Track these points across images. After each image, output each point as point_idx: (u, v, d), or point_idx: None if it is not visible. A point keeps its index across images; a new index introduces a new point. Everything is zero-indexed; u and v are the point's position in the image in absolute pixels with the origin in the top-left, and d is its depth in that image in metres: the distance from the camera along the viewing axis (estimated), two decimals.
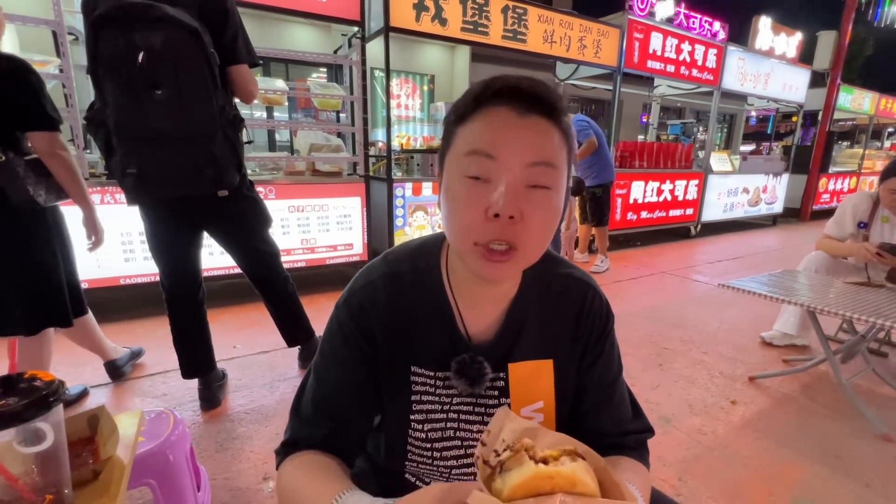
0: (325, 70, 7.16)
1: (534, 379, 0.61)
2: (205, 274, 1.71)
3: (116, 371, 1.87)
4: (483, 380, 0.59)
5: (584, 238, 4.10)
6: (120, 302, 2.72)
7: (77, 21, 2.63)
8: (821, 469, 1.44)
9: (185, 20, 1.28)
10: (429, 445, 0.62)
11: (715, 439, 1.57)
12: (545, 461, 0.38)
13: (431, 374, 0.60)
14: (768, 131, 12.90)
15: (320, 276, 3.32)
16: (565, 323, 0.62)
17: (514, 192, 0.47)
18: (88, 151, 2.73)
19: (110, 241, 2.43)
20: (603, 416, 0.64)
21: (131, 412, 0.76)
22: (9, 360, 0.50)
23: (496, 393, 0.61)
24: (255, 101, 1.62)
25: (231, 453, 1.45)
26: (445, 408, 0.61)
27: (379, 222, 3.36)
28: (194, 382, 1.73)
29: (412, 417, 0.61)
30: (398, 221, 3.35)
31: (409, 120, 7.58)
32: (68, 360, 2.01)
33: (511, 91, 0.48)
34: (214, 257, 2.63)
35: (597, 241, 3.93)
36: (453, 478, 0.64)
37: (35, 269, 1.41)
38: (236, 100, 1.56)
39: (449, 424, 0.62)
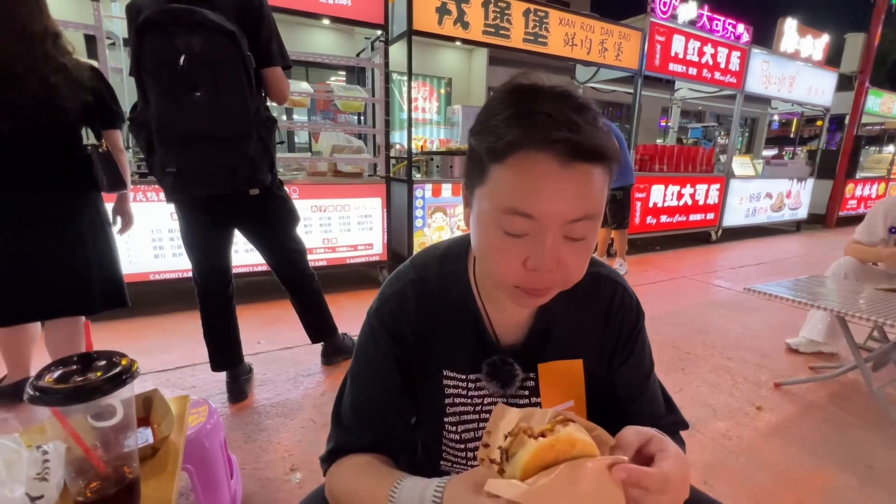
0: (343, 73, 7.27)
1: (564, 379, 0.62)
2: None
3: (18, 393, 1.55)
4: (514, 381, 0.60)
5: (602, 241, 4.08)
6: (149, 296, 2.80)
7: (114, 25, 2.73)
8: (851, 479, 1.41)
9: (223, 24, 1.33)
10: (462, 446, 0.63)
11: (741, 445, 1.55)
12: (543, 435, 0.41)
13: (463, 376, 0.61)
14: (791, 135, 12.61)
15: (341, 276, 3.37)
16: (594, 322, 0.62)
17: (554, 246, 0.46)
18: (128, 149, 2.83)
19: (141, 237, 2.52)
20: (635, 414, 0.63)
21: (179, 397, 0.79)
22: (84, 340, 0.54)
23: (527, 393, 0.62)
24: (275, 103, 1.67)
25: (259, 444, 1.49)
26: (478, 409, 0.62)
27: (399, 223, 3.39)
28: (222, 375, 1.78)
29: (446, 420, 0.62)
30: (417, 222, 3.38)
31: (426, 123, 7.64)
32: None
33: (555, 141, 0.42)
34: (239, 255, 2.69)
35: (616, 245, 3.90)
36: None
37: (107, 251, 1.51)
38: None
39: (482, 425, 0.63)
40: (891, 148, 9.54)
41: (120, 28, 2.76)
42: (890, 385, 1.86)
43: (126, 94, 2.70)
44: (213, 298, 1.68)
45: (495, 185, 0.45)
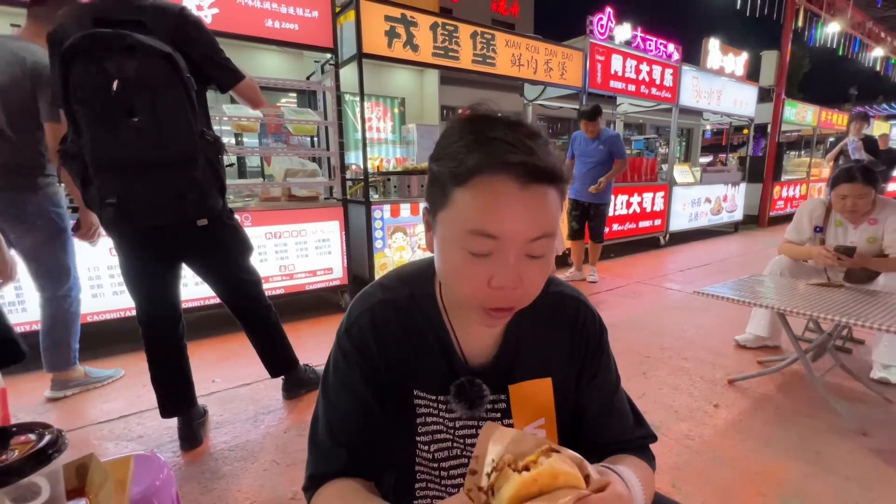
0: (294, 96, 7.17)
1: (534, 397, 0.63)
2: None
3: None
4: (482, 402, 0.60)
5: (578, 254, 4.07)
6: (89, 341, 2.57)
7: None
8: (804, 466, 1.49)
9: (159, 47, 1.27)
10: (436, 465, 0.63)
11: (703, 444, 1.61)
12: (527, 468, 0.41)
13: (433, 397, 0.61)
14: (723, 143, 13.66)
15: (300, 303, 3.25)
16: (560, 340, 0.64)
17: (517, 264, 0.48)
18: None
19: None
20: (605, 429, 0.66)
21: (120, 458, 0.72)
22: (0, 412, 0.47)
23: (498, 415, 0.62)
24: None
25: (217, 494, 1.38)
26: (451, 430, 0.62)
27: (358, 245, 3.33)
28: (173, 422, 1.65)
29: (418, 439, 0.62)
30: (378, 244, 3.34)
31: (382, 142, 7.64)
32: (30, 405, 1.88)
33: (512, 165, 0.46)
34: (189, 288, 2.54)
35: (592, 256, 4.05)
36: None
37: None
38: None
39: (455, 444, 0.63)
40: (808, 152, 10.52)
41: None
42: (829, 374, 2.00)
43: None
44: (160, 340, 1.56)
45: (459, 208, 0.48)
